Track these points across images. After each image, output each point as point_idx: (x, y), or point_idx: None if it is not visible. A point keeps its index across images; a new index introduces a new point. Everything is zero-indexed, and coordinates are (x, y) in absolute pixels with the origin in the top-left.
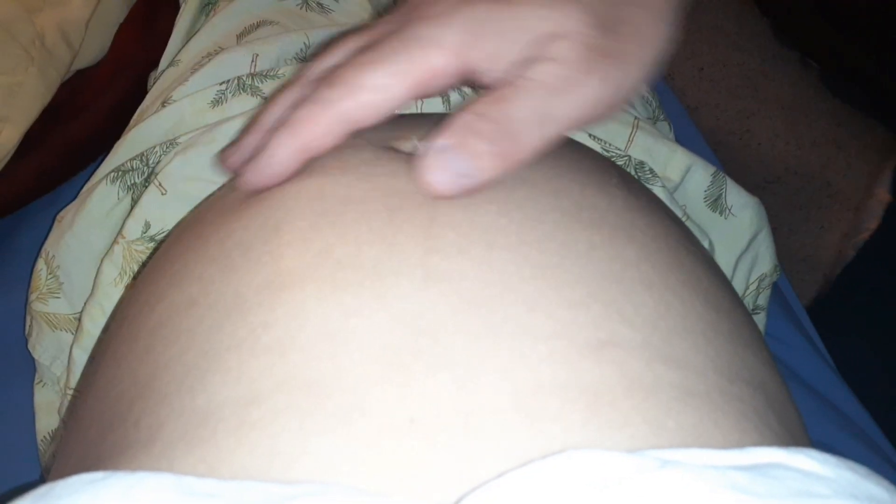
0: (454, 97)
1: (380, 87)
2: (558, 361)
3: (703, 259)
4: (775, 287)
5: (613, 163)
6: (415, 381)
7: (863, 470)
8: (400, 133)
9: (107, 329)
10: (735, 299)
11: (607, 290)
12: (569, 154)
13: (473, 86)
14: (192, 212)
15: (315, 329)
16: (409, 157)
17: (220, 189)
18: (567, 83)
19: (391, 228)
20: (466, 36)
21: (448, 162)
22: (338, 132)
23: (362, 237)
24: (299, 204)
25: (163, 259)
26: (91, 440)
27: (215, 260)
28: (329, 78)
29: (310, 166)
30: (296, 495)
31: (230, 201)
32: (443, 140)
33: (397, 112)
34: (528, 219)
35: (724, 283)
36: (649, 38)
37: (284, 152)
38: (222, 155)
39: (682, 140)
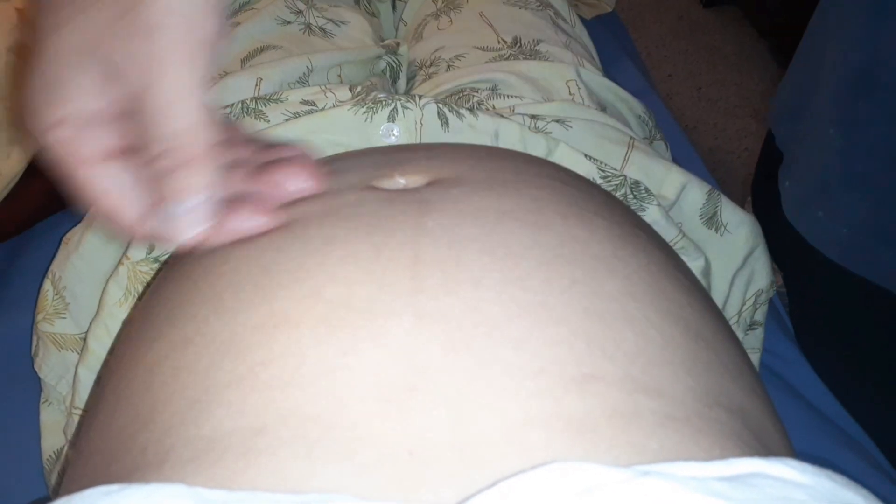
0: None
1: None
2: (544, 396)
3: (685, 286)
4: (772, 303)
5: (597, 186)
6: (412, 416)
7: (841, 479)
8: (381, 172)
9: (106, 364)
10: (718, 324)
11: (589, 327)
12: (549, 183)
13: None
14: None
15: (313, 366)
16: (391, 194)
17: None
18: None
19: (378, 266)
20: None
21: None
22: None
23: (351, 277)
24: (285, 245)
25: (156, 297)
26: (95, 469)
27: (207, 301)
28: None
29: (293, 209)
30: (304, 503)
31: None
32: None
33: (381, 146)
34: (510, 256)
35: (706, 308)
36: None
37: None
38: None
39: (679, 160)
